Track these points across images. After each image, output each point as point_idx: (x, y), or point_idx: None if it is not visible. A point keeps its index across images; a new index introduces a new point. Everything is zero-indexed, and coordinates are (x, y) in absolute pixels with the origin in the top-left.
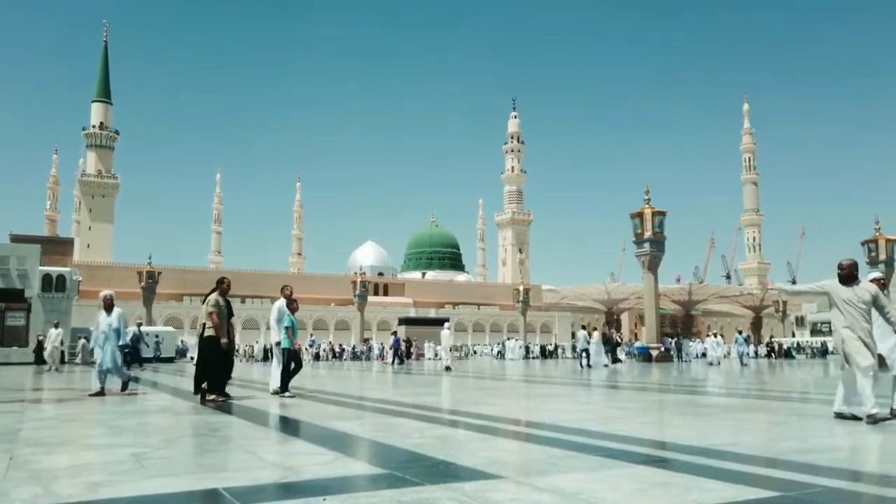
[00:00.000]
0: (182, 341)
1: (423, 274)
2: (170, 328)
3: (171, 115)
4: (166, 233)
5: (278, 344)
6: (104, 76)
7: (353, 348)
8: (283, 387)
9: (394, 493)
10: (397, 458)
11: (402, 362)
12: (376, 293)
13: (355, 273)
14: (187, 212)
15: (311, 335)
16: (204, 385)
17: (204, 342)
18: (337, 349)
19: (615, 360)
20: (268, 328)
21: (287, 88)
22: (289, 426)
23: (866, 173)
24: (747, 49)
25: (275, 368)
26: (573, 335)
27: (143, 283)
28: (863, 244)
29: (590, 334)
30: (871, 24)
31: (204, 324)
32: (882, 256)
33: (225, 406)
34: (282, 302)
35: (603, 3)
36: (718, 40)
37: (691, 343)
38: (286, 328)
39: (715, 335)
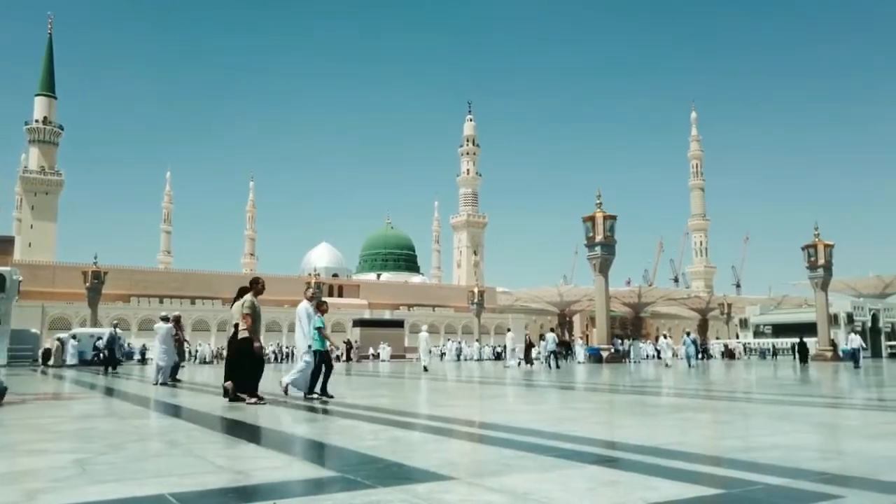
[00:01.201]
0: (129, 343)
1: (379, 275)
2: (95, 329)
3: (119, 112)
4: (113, 232)
5: (310, 347)
6: (48, 70)
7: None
8: (315, 389)
9: (345, 496)
10: (350, 460)
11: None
12: (331, 294)
13: (309, 274)
14: (136, 211)
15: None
16: (226, 384)
17: (238, 344)
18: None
19: (529, 360)
20: (219, 329)
21: (241, 87)
22: (240, 429)
23: (807, 180)
24: (696, 55)
25: (298, 369)
26: (541, 337)
27: (88, 284)
28: (803, 249)
29: (537, 337)
30: (817, 28)
31: (237, 325)
32: (821, 261)
33: (230, 408)
34: (306, 303)
35: (557, 9)
36: (669, 46)
37: (641, 344)
38: (318, 329)
39: (665, 336)
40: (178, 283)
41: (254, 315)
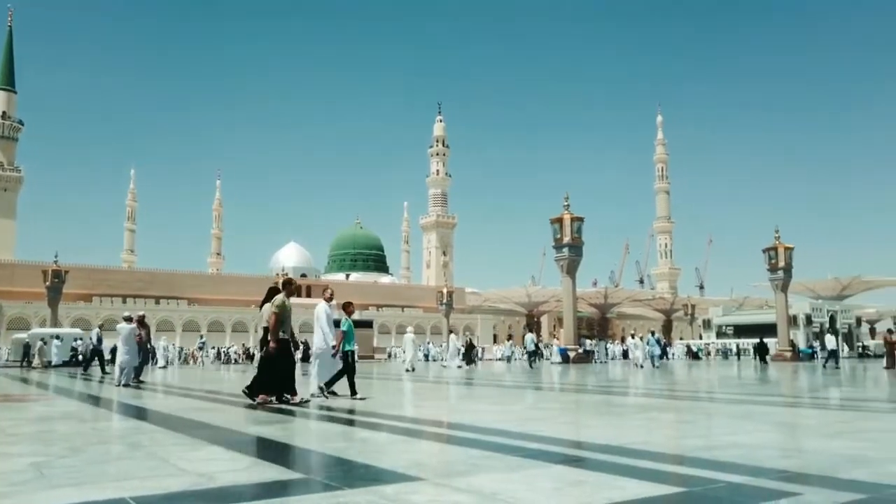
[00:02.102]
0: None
1: (347, 276)
2: (78, 330)
3: (83, 107)
4: (75, 230)
5: (334, 347)
6: (8, 63)
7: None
8: (345, 389)
9: (312, 498)
10: (317, 462)
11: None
12: (299, 295)
13: (277, 274)
14: (98, 209)
15: (202, 336)
16: (245, 389)
17: (267, 344)
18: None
19: (469, 361)
20: (184, 330)
21: (207, 85)
22: (204, 431)
23: (769, 184)
24: (662, 58)
25: (316, 370)
26: (523, 338)
27: (48, 283)
28: (764, 251)
29: (509, 338)
30: (781, 33)
31: (266, 327)
32: (781, 263)
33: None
34: (325, 305)
35: (527, 11)
36: (635, 50)
37: (610, 345)
38: (343, 332)
39: (633, 336)
40: (142, 283)
41: (283, 315)
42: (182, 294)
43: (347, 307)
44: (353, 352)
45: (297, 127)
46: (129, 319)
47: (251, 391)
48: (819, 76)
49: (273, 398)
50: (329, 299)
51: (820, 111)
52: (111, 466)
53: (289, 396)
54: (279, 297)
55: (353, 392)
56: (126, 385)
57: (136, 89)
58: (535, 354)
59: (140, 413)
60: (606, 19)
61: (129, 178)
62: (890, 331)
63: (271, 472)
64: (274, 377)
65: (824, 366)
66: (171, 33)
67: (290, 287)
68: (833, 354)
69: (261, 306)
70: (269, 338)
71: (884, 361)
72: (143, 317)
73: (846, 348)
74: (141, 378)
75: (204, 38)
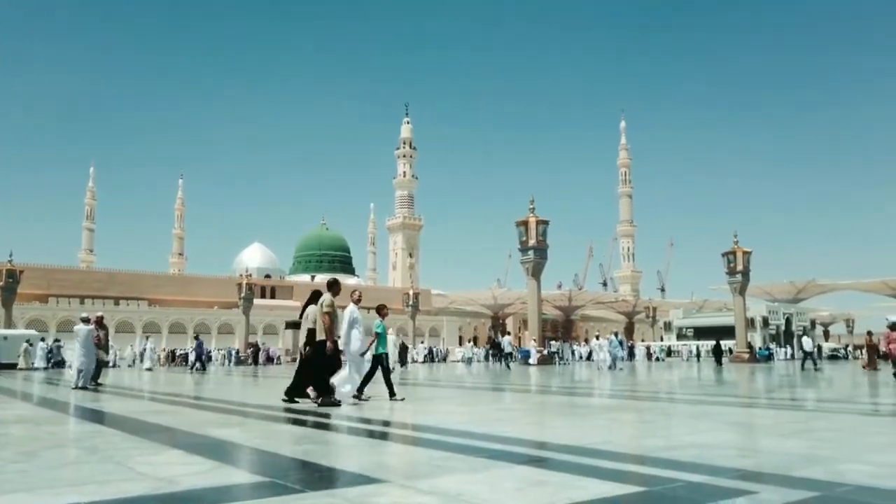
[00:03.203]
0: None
1: (313, 277)
2: (33, 331)
3: (40, 104)
4: (30, 229)
5: (365, 351)
6: None
7: (237, 353)
8: (362, 389)
9: (275, 501)
10: (280, 465)
11: (203, 369)
12: (263, 296)
13: (241, 275)
14: (56, 207)
15: (193, 337)
16: (312, 393)
17: (318, 344)
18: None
19: (403, 363)
20: (144, 332)
21: (170, 82)
22: (163, 434)
23: (729, 189)
24: (627, 62)
25: (349, 374)
26: (489, 339)
27: (1, 283)
28: (723, 255)
29: (474, 340)
30: (741, 39)
31: (311, 328)
32: (739, 267)
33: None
34: (353, 307)
35: (494, 14)
36: (601, 53)
37: (576, 347)
38: (377, 334)
39: (597, 337)
40: (101, 283)
41: (334, 315)
42: (142, 295)
43: (381, 310)
44: (386, 354)
45: (262, 126)
46: (86, 321)
47: (318, 391)
48: (778, 81)
49: (334, 396)
50: (357, 301)
51: (779, 117)
52: (66, 471)
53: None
54: (328, 298)
55: (392, 393)
56: (84, 388)
57: (95, 85)
58: (510, 356)
59: (98, 416)
60: (573, 22)
61: (87, 175)
62: (870, 333)
63: (233, 475)
64: (321, 374)
65: (802, 367)
66: (135, 29)
67: (337, 287)
68: (810, 356)
69: (303, 309)
70: (325, 337)
71: (860, 361)
72: (102, 318)
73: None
74: (99, 381)
75: (167, 35)
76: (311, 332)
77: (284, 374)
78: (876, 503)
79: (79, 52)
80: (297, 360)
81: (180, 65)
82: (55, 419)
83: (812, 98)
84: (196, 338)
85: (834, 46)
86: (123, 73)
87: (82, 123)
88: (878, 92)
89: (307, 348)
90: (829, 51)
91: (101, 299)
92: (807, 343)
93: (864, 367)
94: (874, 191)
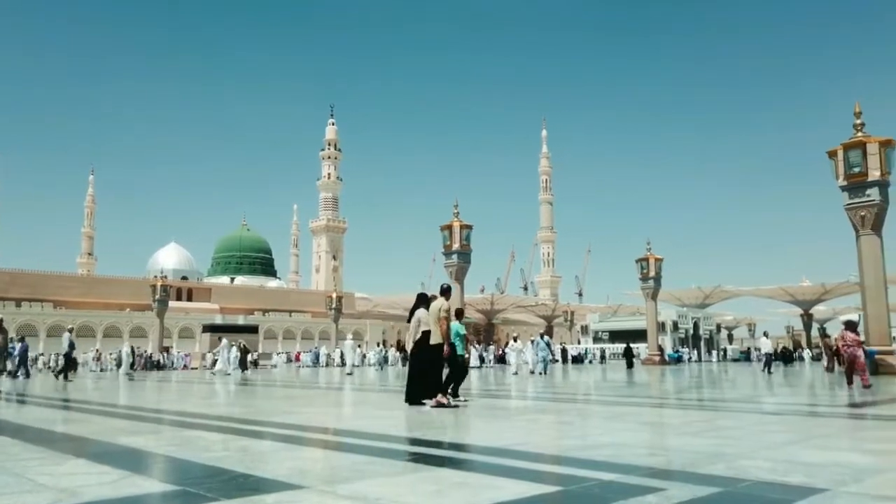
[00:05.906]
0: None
1: (232, 279)
2: None
3: None
4: None
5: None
6: None
7: (150, 356)
8: (455, 392)
9: None
10: (193, 472)
11: (28, 375)
12: (179, 298)
13: (155, 276)
14: None
15: (18, 340)
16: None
17: (430, 349)
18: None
19: (244, 367)
20: (48, 335)
21: (83, 75)
22: (68, 443)
23: (643, 198)
24: (550, 69)
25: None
26: (396, 344)
27: None
28: (636, 262)
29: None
30: (672, 48)
31: (427, 331)
32: (651, 273)
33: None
34: (424, 312)
35: (420, 17)
36: (523, 58)
37: (505, 349)
38: (460, 336)
39: (515, 339)
40: (3, 284)
41: (449, 321)
42: (47, 296)
43: (460, 314)
44: (463, 356)
45: (182, 122)
46: None
47: (440, 392)
48: (697, 88)
49: (449, 398)
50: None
51: (691, 130)
52: None
53: (426, 402)
54: (445, 303)
55: (455, 395)
56: None
57: None
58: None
59: None
60: (498, 27)
61: None
62: (827, 335)
63: (143, 485)
64: (439, 378)
65: (762, 369)
66: (42, 17)
67: (450, 293)
68: (769, 358)
69: (411, 312)
70: (442, 342)
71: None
72: (1, 320)
73: (712, 352)
74: None
75: (78, 23)
76: (426, 336)
77: (225, 381)
78: (773, 497)
79: None
80: (407, 362)
81: (95, 53)
82: None
83: (727, 105)
84: (21, 340)
85: (759, 49)
86: (26, 55)
87: None
88: (780, 106)
89: (418, 351)
90: (759, 55)
91: (2, 301)
92: (765, 345)
93: (826, 370)
94: (775, 202)
